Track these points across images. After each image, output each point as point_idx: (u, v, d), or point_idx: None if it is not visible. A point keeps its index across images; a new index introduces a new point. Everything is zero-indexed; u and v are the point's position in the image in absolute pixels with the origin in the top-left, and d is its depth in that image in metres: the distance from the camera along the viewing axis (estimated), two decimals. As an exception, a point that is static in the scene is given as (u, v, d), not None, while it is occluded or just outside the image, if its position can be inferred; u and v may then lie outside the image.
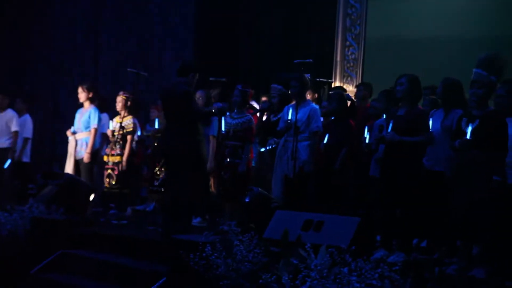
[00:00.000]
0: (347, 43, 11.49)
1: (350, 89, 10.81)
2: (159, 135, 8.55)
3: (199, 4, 12.38)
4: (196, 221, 8.14)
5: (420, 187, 6.35)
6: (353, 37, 11.47)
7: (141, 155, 9.74)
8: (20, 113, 10.99)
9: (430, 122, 6.60)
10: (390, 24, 11.11)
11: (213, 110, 7.46)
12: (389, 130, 6.42)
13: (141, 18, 12.87)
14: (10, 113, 10.88)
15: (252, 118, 8.11)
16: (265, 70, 11.34)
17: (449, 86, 6.70)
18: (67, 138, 9.86)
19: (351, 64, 11.44)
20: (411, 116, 6.40)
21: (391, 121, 6.47)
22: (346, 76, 11.43)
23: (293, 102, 7.79)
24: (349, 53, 11.47)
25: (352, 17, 11.51)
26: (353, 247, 5.16)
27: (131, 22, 12.96)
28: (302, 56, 8.24)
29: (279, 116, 7.96)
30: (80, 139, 9.48)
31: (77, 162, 9.42)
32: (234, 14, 12.41)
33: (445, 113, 6.74)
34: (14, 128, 10.75)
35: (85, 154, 9.35)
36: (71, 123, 9.87)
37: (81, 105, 9.67)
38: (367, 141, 7.45)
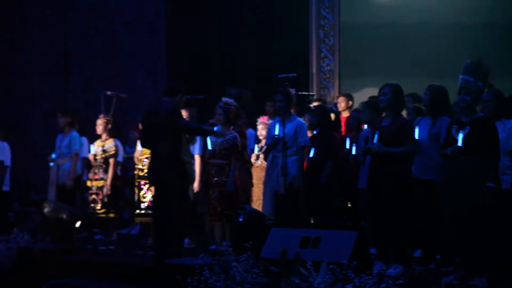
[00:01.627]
0: (322, 54, 11.53)
1: (329, 101, 10.85)
2: (143, 156, 8.48)
3: (169, 19, 12.29)
4: (184, 242, 8.04)
5: (410, 196, 6.33)
6: (328, 48, 11.51)
7: (123, 178, 9.60)
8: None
9: (417, 130, 6.59)
10: (363, 31, 11.22)
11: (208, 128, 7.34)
12: (374, 141, 6.38)
13: (108, 37, 12.73)
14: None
15: (237, 135, 7.99)
16: (240, 85, 11.27)
17: (436, 94, 6.71)
18: (41, 163, 9.67)
19: (327, 75, 11.48)
20: (396, 126, 6.38)
21: (376, 132, 6.44)
22: (323, 87, 11.47)
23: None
24: (325, 64, 11.51)
25: (325, 28, 11.55)
26: (355, 262, 5.11)
27: (98, 43, 12.81)
28: (279, 70, 8.19)
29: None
30: (62, 165, 9.30)
31: (60, 189, 9.23)
32: (206, 28, 12.35)
33: (432, 121, 6.73)
34: None
35: (68, 180, 9.19)
36: (44, 148, 9.67)
37: (61, 130, 9.51)
38: (353, 152, 7.44)
